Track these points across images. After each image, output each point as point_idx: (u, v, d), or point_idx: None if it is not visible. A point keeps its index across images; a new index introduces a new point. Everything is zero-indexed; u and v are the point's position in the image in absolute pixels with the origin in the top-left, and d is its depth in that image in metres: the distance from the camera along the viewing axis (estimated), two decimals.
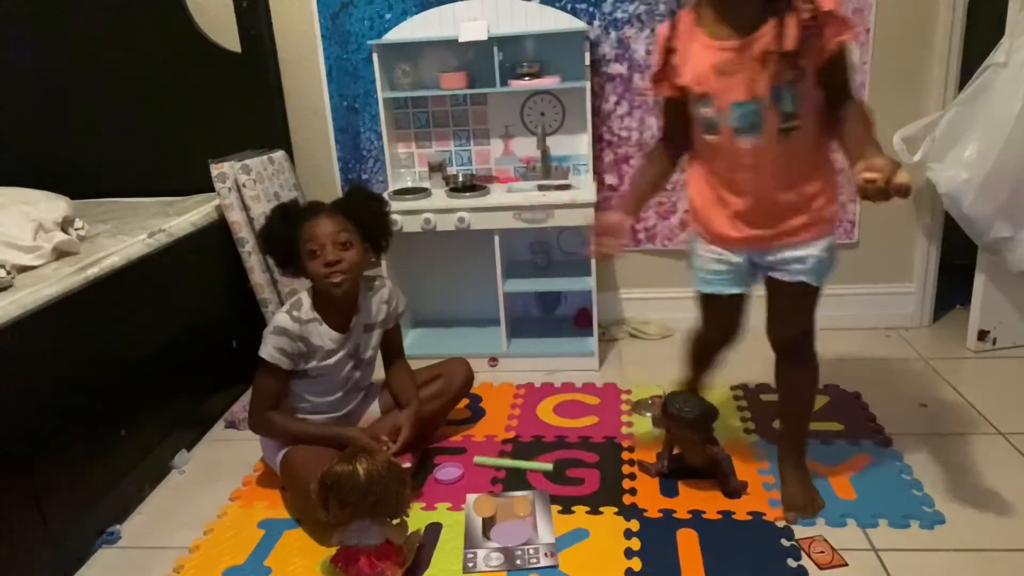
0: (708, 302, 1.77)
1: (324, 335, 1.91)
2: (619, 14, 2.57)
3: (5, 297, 1.65)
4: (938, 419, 2.17)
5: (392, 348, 2.12)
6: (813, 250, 1.59)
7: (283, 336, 1.87)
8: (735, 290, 1.71)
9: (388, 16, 2.66)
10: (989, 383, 2.36)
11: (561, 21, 2.53)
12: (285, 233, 1.88)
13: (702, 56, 1.49)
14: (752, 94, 1.46)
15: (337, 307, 1.93)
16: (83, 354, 1.82)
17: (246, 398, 2.34)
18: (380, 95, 2.64)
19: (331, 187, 2.85)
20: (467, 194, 2.59)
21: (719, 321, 1.80)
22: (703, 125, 1.55)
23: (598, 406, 2.34)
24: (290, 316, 1.89)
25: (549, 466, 1.99)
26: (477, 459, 2.04)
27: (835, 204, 1.62)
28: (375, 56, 2.59)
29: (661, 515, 1.79)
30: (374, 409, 2.10)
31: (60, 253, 1.98)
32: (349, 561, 1.58)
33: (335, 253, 1.84)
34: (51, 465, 1.69)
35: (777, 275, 1.64)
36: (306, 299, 1.93)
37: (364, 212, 1.93)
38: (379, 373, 2.14)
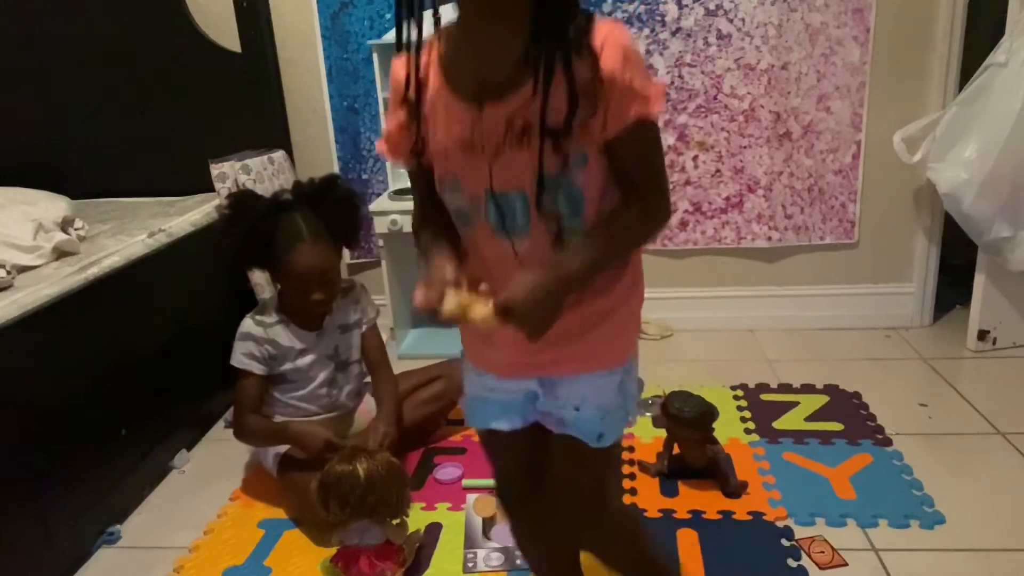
0: (486, 441, 1.26)
1: (293, 335, 1.91)
2: (619, 14, 2.57)
3: (5, 297, 1.65)
4: (938, 419, 2.16)
5: (370, 356, 2.05)
6: (589, 390, 1.08)
7: (248, 341, 1.87)
8: (512, 424, 1.17)
9: (388, 16, 2.66)
10: (989, 383, 2.36)
11: None
12: (257, 234, 1.81)
13: (445, 117, 0.98)
14: (512, 183, 0.96)
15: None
16: (83, 354, 1.82)
17: None
18: (380, 95, 2.63)
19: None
20: None
21: (506, 464, 1.26)
22: (454, 214, 1.05)
23: None
24: (254, 320, 1.90)
25: None
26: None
27: (631, 330, 1.14)
28: (375, 56, 2.58)
29: (661, 515, 1.78)
30: (372, 407, 2.10)
31: (60, 253, 1.97)
32: (349, 561, 1.58)
33: (320, 291, 1.84)
34: (51, 465, 1.69)
35: (544, 421, 1.14)
36: (272, 301, 1.94)
37: (342, 221, 1.88)
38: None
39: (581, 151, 0.94)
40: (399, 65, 1.00)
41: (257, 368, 1.88)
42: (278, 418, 1.95)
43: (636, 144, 0.96)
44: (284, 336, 1.90)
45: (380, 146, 1.10)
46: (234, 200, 1.88)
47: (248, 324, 1.89)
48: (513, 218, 0.99)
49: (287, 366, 1.91)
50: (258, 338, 1.88)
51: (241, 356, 1.87)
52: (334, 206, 1.87)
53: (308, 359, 1.93)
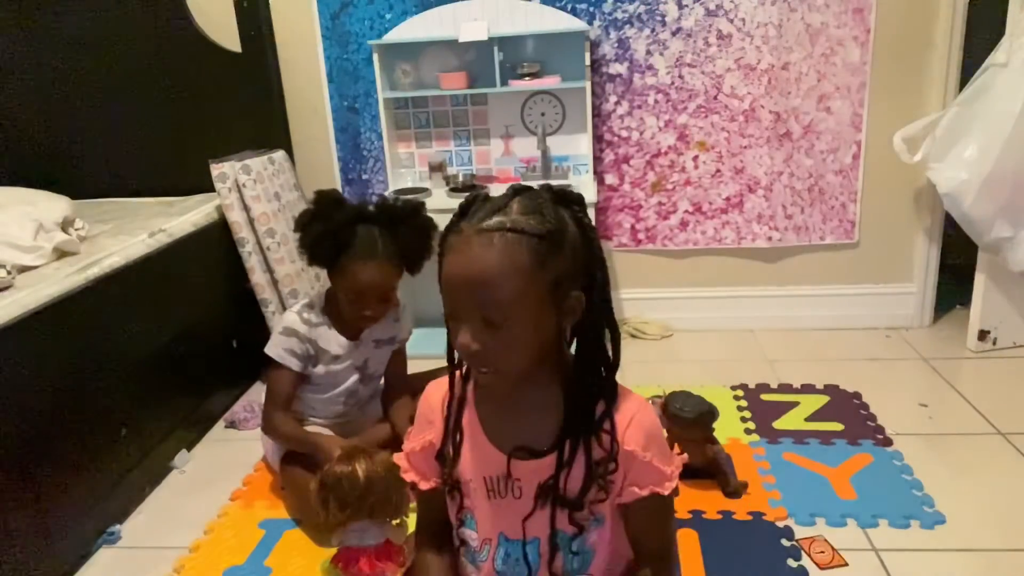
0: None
1: (333, 339, 1.90)
2: (619, 14, 2.57)
3: (5, 297, 1.65)
4: (938, 419, 2.16)
5: (394, 375, 2.06)
6: None
7: (292, 337, 1.85)
8: None
9: (388, 16, 2.66)
10: (989, 383, 2.36)
11: (561, 21, 2.53)
12: (333, 238, 1.78)
13: (474, 456, 1.07)
14: (527, 533, 1.05)
15: None
16: (83, 354, 1.82)
17: (247, 398, 2.35)
18: (380, 95, 2.64)
19: (331, 187, 2.85)
20: (467, 194, 2.59)
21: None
22: (461, 548, 1.13)
23: None
24: (300, 317, 1.88)
25: None
26: None
27: None
28: (375, 56, 2.59)
29: None
30: (377, 413, 2.09)
31: (60, 253, 1.97)
32: (349, 561, 1.58)
33: (375, 308, 1.83)
34: (51, 465, 1.69)
35: None
36: (319, 301, 1.92)
37: (415, 247, 1.85)
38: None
39: (599, 513, 1.04)
40: (435, 389, 1.13)
41: (295, 365, 1.86)
42: None
43: (648, 513, 1.05)
44: (325, 339, 1.89)
45: (400, 461, 1.16)
46: (320, 199, 1.84)
47: (295, 320, 1.87)
48: (520, 565, 1.06)
49: (320, 368, 1.90)
50: (302, 336, 1.86)
51: (282, 350, 1.85)
52: (412, 231, 1.85)
53: (339, 366, 1.92)
